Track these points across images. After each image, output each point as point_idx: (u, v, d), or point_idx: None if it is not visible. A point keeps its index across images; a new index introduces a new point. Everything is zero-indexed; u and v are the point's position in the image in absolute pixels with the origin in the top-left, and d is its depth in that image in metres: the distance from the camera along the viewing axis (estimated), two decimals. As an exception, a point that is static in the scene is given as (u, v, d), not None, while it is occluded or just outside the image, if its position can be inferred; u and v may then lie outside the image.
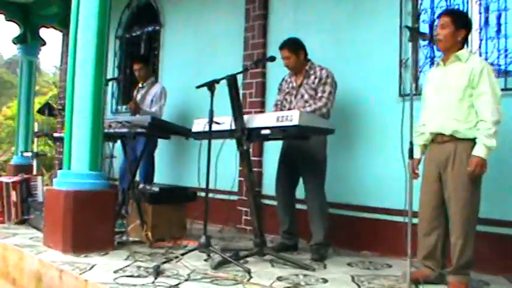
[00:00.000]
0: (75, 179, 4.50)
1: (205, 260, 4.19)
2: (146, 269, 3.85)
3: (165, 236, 4.94)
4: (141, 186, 5.35)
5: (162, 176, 6.59)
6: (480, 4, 4.38)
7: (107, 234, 4.55)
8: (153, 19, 7.68)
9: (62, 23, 9.24)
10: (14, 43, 10.16)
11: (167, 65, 7.32)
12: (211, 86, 4.18)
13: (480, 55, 4.30)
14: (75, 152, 4.55)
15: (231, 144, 4.62)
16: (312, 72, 4.68)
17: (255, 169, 5.68)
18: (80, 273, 3.71)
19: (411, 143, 3.42)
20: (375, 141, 4.81)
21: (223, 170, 5.77)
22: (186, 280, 3.62)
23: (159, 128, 4.88)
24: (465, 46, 3.67)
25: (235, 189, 5.95)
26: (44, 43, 9.99)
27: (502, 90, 4.06)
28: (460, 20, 3.64)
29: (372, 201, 4.80)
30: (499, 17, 4.29)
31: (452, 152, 3.53)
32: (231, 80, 4.16)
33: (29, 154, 8.65)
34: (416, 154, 3.74)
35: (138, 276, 3.71)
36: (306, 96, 4.62)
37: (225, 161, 5.81)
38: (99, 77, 4.58)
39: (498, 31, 4.29)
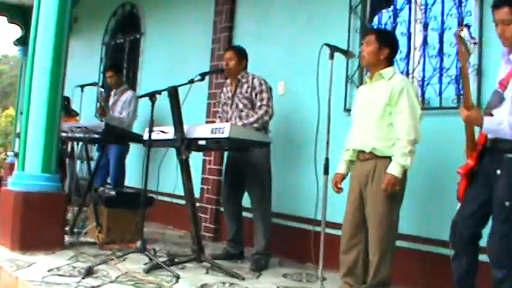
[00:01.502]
0: (27, 181, 4.68)
1: (145, 264, 4.31)
2: (81, 269, 3.97)
3: (119, 239, 5.08)
4: (100, 189, 5.52)
5: (136, 181, 6.74)
6: (422, 23, 4.45)
7: (56, 234, 4.71)
8: (136, 27, 7.88)
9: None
10: (16, 45, 10.46)
11: (146, 72, 7.52)
12: (152, 96, 4.34)
13: (423, 73, 4.39)
14: (29, 154, 4.74)
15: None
16: (244, 80, 4.76)
17: (215, 177, 5.84)
18: (15, 270, 3.88)
19: (326, 159, 3.52)
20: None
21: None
22: (111, 282, 3.75)
23: (113, 135, 5.04)
24: (394, 65, 3.74)
25: (197, 195, 6.08)
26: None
27: (439, 108, 4.20)
28: (385, 39, 3.70)
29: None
30: (441, 36, 4.34)
31: (372, 169, 3.56)
32: (172, 92, 4.30)
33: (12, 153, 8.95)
34: (340, 169, 3.82)
35: (69, 275, 3.85)
36: (241, 106, 4.71)
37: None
38: (55, 83, 4.76)
39: (440, 50, 4.34)
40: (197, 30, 6.56)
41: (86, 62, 8.86)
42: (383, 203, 3.51)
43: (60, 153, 7.00)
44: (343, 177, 3.83)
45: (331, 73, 3.54)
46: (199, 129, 4.24)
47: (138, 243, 4.32)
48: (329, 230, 4.13)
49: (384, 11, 4.79)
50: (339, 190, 3.79)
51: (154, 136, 4.54)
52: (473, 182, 3.14)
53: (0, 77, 35.33)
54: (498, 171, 2.95)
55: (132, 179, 6.64)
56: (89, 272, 3.89)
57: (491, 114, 3.01)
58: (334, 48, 3.61)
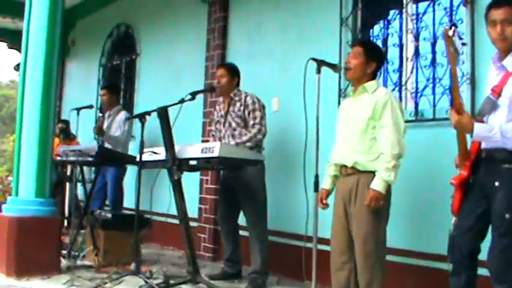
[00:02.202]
0: (21, 206, 4.68)
1: (140, 287, 4.26)
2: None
3: (116, 261, 5.03)
4: (97, 212, 5.48)
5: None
6: (413, 33, 4.41)
7: (51, 258, 4.68)
8: (131, 48, 7.90)
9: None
10: (16, 70, 10.52)
11: (142, 93, 7.51)
12: (142, 117, 4.32)
13: (416, 84, 4.35)
14: (23, 180, 4.74)
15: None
16: (237, 99, 4.72)
17: (212, 196, 5.79)
18: (8, 297, 3.86)
19: (316, 176, 3.47)
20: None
21: (185, 196, 5.93)
22: (104, 306, 3.73)
23: (106, 157, 5.02)
24: (377, 78, 3.67)
25: (195, 215, 6.05)
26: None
27: (431, 120, 4.15)
28: (373, 52, 3.63)
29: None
30: (433, 46, 4.30)
31: (355, 184, 3.47)
32: (162, 112, 4.27)
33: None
34: (325, 185, 3.73)
35: (62, 301, 3.84)
36: (234, 124, 4.67)
37: (186, 188, 5.98)
38: (46, 109, 4.76)
39: (433, 60, 4.29)
40: (191, 48, 6.56)
41: (84, 84, 8.89)
42: (367, 219, 3.41)
43: (60, 177, 7.06)
44: (329, 192, 3.74)
45: (318, 88, 3.51)
46: (190, 149, 4.21)
47: (133, 266, 4.28)
48: (322, 247, 4.11)
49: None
50: (324, 206, 3.68)
51: (146, 157, 4.53)
52: (468, 195, 3.03)
53: (8, 102, 35.70)
54: (496, 183, 2.85)
55: (130, 201, 6.60)
56: (82, 297, 3.86)
57: (482, 121, 2.94)
58: (321, 63, 3.57)
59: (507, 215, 2.80)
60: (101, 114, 6.29)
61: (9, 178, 9.26)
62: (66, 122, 7.45)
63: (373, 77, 3.62)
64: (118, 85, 7.65)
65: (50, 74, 4.83)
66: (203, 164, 4.15)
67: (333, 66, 3.68)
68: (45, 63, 4.79)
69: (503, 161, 2.86)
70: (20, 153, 4.76)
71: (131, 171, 6.50)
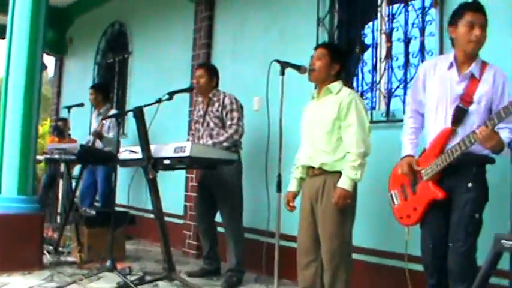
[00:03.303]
0: (3, 203, 4.77)
1: (117, 283, 4.32)
2: (50, 290, 4.05)
3: (99, 258, 5.10)
4: (82, 209, 5.58)
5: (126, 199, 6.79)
6: (386, 34, 4.43)
7: (33, 254, 4.77)
8: (124, 47, 7.98)
9: (55, 49, 9.70)
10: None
11: (134, 91, 7.59)
12: (118, 117, 4.39)
13: (389, 84, 4.37)
14: (5, 178, 4.83)
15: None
16: (215, 99, 4.77)
17: (193, 194, 5.85)
18: (-16, 293, 3.96)
19: (279, 176, 3.51)
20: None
21: (171, 193, 6.02)
22: (76, 302, 3.81)
23: (89, 155, 5.10)
24: (340, 80, 3.69)
25: (181, 213, 6.13)
26: (45, 67, 10.42)
27: (402, 121, 4.16)
28: (336, 54, 3.68)
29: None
30: (406, 46, 4.32)
31: (322, 185, 3.52)
32: (138, 112, 4.33)
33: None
34: (292, 187, 3.79)
35: (37, 296, 3.93)
36: (212, 124, 4.73)
37: (172, 186, 6.07)
38: (28, 107, 4.84)
39: (406, 61, 4.31)
40: (179, 47, 6.62)
41: (80, 81, 8.97)
42: (333, 218, 3.46)
43: (53, 174, 7.17)
44: (295, 195, 3.79)
45: (282, 90, 3.52)
46: (164, 148, 4.26)
47: (108, 263, 4.35)
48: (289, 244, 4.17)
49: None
50: (291, 208, 3.75)
51: (125, 155, 4.60)
52: (433, 203, 3.04)
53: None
54: (470, 184, 2.90)
55: (124, 198, 6.69)
56: (57, 292, 3.95)
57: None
58: (284, 64, 3.60)
59: (477, 215, 2.88)
60: (103, 121, 6.34)
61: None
62: (64, 120, 7.55)
63: (336, 78, 3.66)
64: (107, 84, 7.70)
65: (33, 72, 4.92)
66: (176, 163, 4.20)
67: (298, 68, 3.69)
68: (27, 61, 4.88)
69: (472, 164, 2.93)
70: (3, 151, 4.85)
71: (126, 169, 6.60)
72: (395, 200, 3.28)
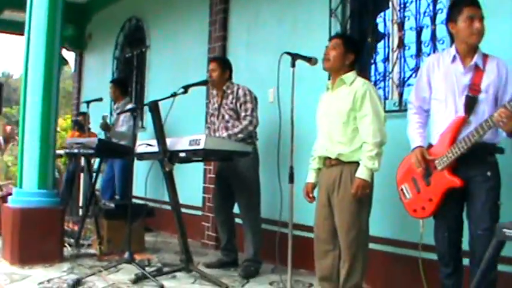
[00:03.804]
0: (24, 197, 4.89)
1: (135, 275, 4.39)
2: (69, 282, 4.11)
3: (119, 250, 5.19)
4: (101, 202, 5.68)
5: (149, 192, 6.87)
6: (397, 23, 4.43)
7: (54, 247, 4.88)
8: (142, 41, 8.07)
9: (75, 44, 9.87)
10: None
11: (152, 84, 7.69)
12: (133, 111, 4.46)
13: (402, 74, 4.37)
14: (26, 172, 4.94)
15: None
16: (229, 91, 4.82)
17: (212, 186, 5.90)
18: (7, 284, 4.06)
19: (291, 168, 3.55)
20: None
21: (189, 185, 6.09)
22: (96, 293, 3.91)
23: (106, 149, 5.18)
24: (354, 70, 3.70)
25: (199, 204, 6.20)
26: (66, 62, 10.59)
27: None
28: (351, 44, 3.71)
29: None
30: (418, 35, 4.31)
31: (339, 175, 3.56)
32: (153, 106, 4.40)
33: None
34: (310, 178, 3.83)
35: (57, 288, 4.02)
36: (227, 117, 4.77)
37: (191, 178, 6.14)
38: (47, 102, 4.94)
39: (418, 50, 4.30)
40: (195, 40, 6.67)
41: (100, 76, 9.11)
42: (351, 208, 3.50)
43: (74, 168, 7.28)
44: (314, 186, 3.83)
45: (292, 81, 3.55)
46: (179, 141, 4.33)
47: (126, 255, 4.43)
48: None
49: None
50: (311, 199, 3.80)
51: (142, 149, 4.67)
52: (447, 194, 3.06)
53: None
54: (489, 173, 2.95)
55: (141, 190, 6.79)
56: (77, 284, 4.05)
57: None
58: (295, 56, 3.63)
59: (499, 202, 2.94)
60: (104, 114, 6.45)
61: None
62: (84, 114, 7.66)
63: (351, 68, 3.68)
64: (126, 78, 7.84)
65: (51, 67, 5.01)
66: (191, 156, 4.26)
67: (308, 59, 3.72)
68: (45, 57, 4.97)
69: (490, 153, 3.00)
70: (23, 146, 4.96)
71: (144, 162, 6.70)
72: (406, 193, 3.29)
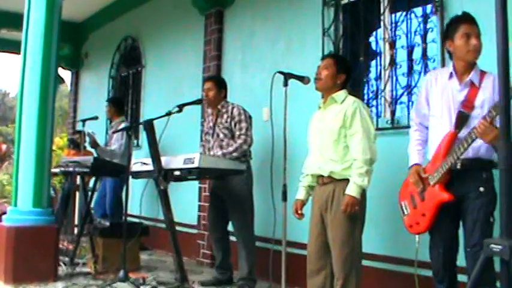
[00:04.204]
0: (19, 216, 4.90)
1: (130, 293, 4.41)
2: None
3: (114, 268, 5.19)
4: (96, 220, 5.69)
5: (144, 210, 6.89)
6: (389, 42, 4.48)
7: (48, 266, 4.87)
8: (138, 60, 8.13)
9: (71, 63, 9.95)
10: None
11: (148, 103, 7.73)
12: (128, 130, 4.49)
13: (394, 92, 4.42)
14: (21, 191, 4.95)
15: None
16: (224, 110, 4.86)
17: (207, 204, 5.92)
18: (0, 304, 4.06)
19: (284, 186, 3.59)
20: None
21: (184, 203, 6.11)
22: (89, 312, 3.90)
23: (101, 168, 5.21)
24: (346, 89, 3.75)
25: (195, 222, 6.21)
26: (62, 81, 10.65)
27: (406, 127, 4.20)
28: (343, 64, 3.76)
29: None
30: (409, 53, 4.37)
31: (331, 193, 3.58)
32: (147, 125, 4.43)
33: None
34: (300, 195, 3.85)
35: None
36: (221, 136, 4.81)
37: (186, 196, 6.16)
38: (42, 120, 4.96)
39: (409, 68, 4.36)
40: (190, 60, 6.73)
41: (96, 95, 9.17)
42: (343, 225, 3.52)
43: (70, 187, 7.29)
44: (303, 203, 3.85)
45: (285, 100, 3.61)
46: (174, 160, 4.36)
47: (121, 273, 4.44)
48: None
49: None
50: (300, 216, 3.81)
51: (137, 167, 4.70)
52: (442, 209, 3.08)
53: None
54: (481, 189, 2.97)
55: (135, 208, 6.80)
56: (70, 303, 4.04)
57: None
58: (288, 75, 3.69)
59: (491, 219, 2.95)
60: (90, 131, 6.47)
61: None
62: (80, 133, 7.68)
63: (342, 87, 3.73)
64: (121, 97, 7.89)
65: (47, 86, 5.03)
66: (186, 174, 4.29)
67: (301, 79, 3.78)
68: (41, 75, 5.00)
69: (481, 169, 3.01)
70: (18, 164, 4.98)
71: (139, 180, 6.72)
72: (405, 210, 3.32)
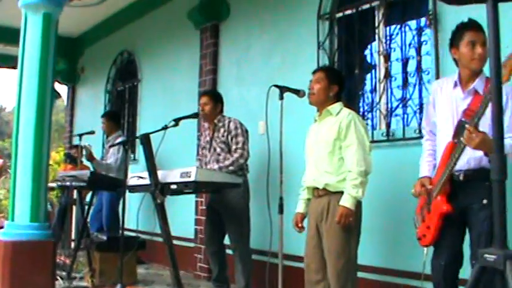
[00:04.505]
0: (16, 230, 4.85)
1: (128, 307, 4.41)
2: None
3: (111, 282, 5.20)
4: (93, 234, 5.69)
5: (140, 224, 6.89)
6: (383, 55, 4.53)
7: (45, 281, 4.84)
8: (134, 75, 8.17)
9: (67, 78, 9.99)
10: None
11: (144, 117, 7.75)
12: (124, 144, 4.51)
13: (389, 105, 4.46)
14: (18, 205, 4.94)
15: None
16: (221, 125, 4.88)
17: (203, 217, 5.93)
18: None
19: (281, 199, 3.62)
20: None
21: (181, 217, 6.12)
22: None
23: (98, 182, 5.22)
24: (340, 101, 3.77)
25: (191, 236, 6.22)
26: (59, 96, 10.67)
27: (401, 140, 4.25)
28: (334, 76, 3.79)
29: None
30: (404, 66, 4.41)
31: (327, 205, 3.59)
32: (144, 139, 4.45)
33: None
34: (300, 208, 3.87)
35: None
36: (218, 150, 4.83)
37: (182, 209, 6.17)
38: (39, 135, 4.94)
39: (404, 81, 4.40)
40: (186, 74, 6.77)
41: (92, 109, 9.19)
42: (338, 237, 3.53)
43: (67, 201, 7.29)
44: (304, 216, 3.85)
45: (281, 114, 3.64)
46: (171, 174, 4.37)
47: (118, 287, 4.44)
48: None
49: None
50: (300, 229, 3.82)
51: (134, 181, 4.72)
52: (446, 221, 3.03)
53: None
54: (485, 201, 2.88)
55: (132, 222, 6.80)
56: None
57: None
58: (283, 89, 3.72)
59: None
60: (87, 143, 6.48)
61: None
62: (77, 147, 7.69)
63: (336, 99, 3.75)
64: (118, 111, 7.89)
65: (44, 100, 5.00)
66: (182, 188, 4.30)
67: (296, 92, 3.81)
68: (38, 90, 4.97)
69: (484, 180, 2.83)
70: (15, 178, 4.97)
71: (136, 194, 6.73)
72: (416, 223, 3.25)
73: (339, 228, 3.51)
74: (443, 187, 3.02)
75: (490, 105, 2.63)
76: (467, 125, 2.76)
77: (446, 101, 3.14)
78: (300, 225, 3.84)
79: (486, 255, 1.94)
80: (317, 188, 3.69)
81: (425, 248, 3.20)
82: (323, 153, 3.65)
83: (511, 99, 2.94)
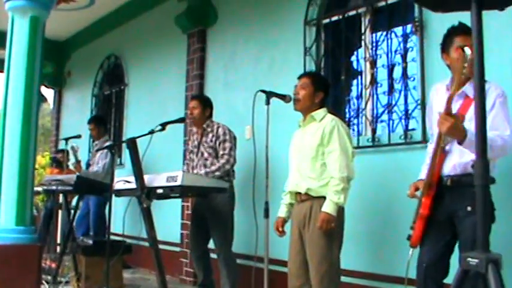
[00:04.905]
0: (1, 234, 4.81)
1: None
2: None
3: (97, 287, 5.18)
4: (79, 238, 5.67)
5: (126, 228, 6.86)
6: (369, 61, 4.57)
7: (31, 285, 4.82)
8: (120, 79, 8.17)
9: (54, 82, 9.94)
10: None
11: (130, 121, 7.75)
12: (111, 148, 4.51)
13: (374, 111, 4.50)
14: (4, 209, 4.91)
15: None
16: (209, 130, 4.90)
17: (189, 222, 5.93)
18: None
19: (266, 203, 3.64)
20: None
21: (167, 222, 6.12)
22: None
23: (84, 186, 5.21)
24: (325, 107, 3.79)
25: (177, 241, 6.22)
26: (45, 99, 10.62)
27: (386, 145, 4.29)
28: (319, 82, 3.80)
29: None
30: (390, 72, 4.44)
31: (309, 210, 3.60)
32: (131, 143, 4.45)
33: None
34: (281, 213, 3.87)
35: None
36: (206, 155, 4.84)
37: (169, 214, 6.17)
38: (26, 138, 4.93)
39: (389, 87, 4.44)
40: (173, 79, 6.79)
41: (79, 113, 9.17)
42: (321, 242, 3.54)
43: (52, 205, 7.27)
44: (284, 220, 3.86)
45: (267, 119, 3.66)
46: (157, 178, 4.37)
47: (105, 292, 4.43)
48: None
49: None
50: (281, 233, 3.84)
51: (120, 185, 4.71)
52: (432, 224, 3.03)
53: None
54: (469, 208, 2.87)
55: (119, 226, 6.77)
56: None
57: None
58: (270, 94, 3.74)
59: None
60: (75, 145, 6.43)
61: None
62: (63, 152, 7.67)
63: (321, 106, 3.77)
64: (104, 116, 7.89)
65: (30, 104, 4.97)
66: (168, 192, 4.30)
67: (283, 97, 3.84)
68: (24, 94, 4.96)
69: (471, 186, 2.79)
70: (1, 182, 4.94)
71: (122, 198, 6.71)
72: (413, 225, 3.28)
73: (321, 233, 3.51)
74: (428, 190, 3.01)
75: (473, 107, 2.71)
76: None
77: (439, 105, 3.10)
78: (280, 229, 3.84)
79: (469, 259, 1.97)
80: (299, 193, 3.71)
81: (411, 250, 3.17)
82: (306, 158, 3.66)
83: (498, 100, 2.93)
